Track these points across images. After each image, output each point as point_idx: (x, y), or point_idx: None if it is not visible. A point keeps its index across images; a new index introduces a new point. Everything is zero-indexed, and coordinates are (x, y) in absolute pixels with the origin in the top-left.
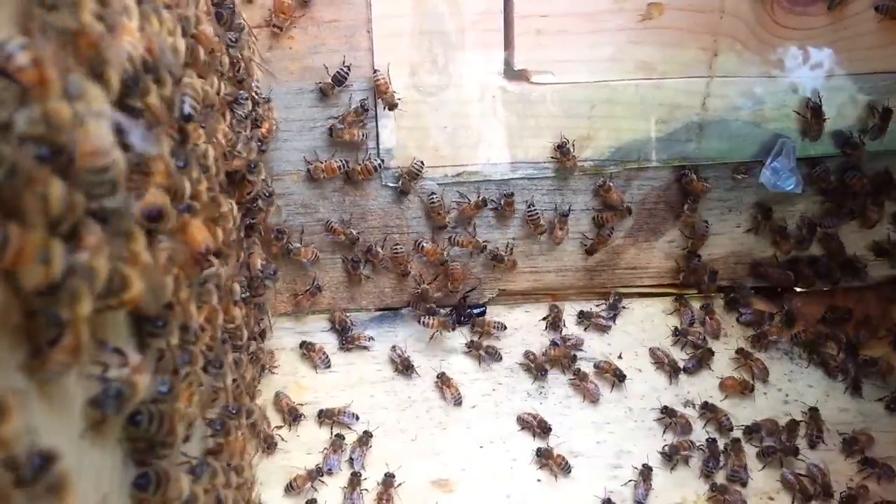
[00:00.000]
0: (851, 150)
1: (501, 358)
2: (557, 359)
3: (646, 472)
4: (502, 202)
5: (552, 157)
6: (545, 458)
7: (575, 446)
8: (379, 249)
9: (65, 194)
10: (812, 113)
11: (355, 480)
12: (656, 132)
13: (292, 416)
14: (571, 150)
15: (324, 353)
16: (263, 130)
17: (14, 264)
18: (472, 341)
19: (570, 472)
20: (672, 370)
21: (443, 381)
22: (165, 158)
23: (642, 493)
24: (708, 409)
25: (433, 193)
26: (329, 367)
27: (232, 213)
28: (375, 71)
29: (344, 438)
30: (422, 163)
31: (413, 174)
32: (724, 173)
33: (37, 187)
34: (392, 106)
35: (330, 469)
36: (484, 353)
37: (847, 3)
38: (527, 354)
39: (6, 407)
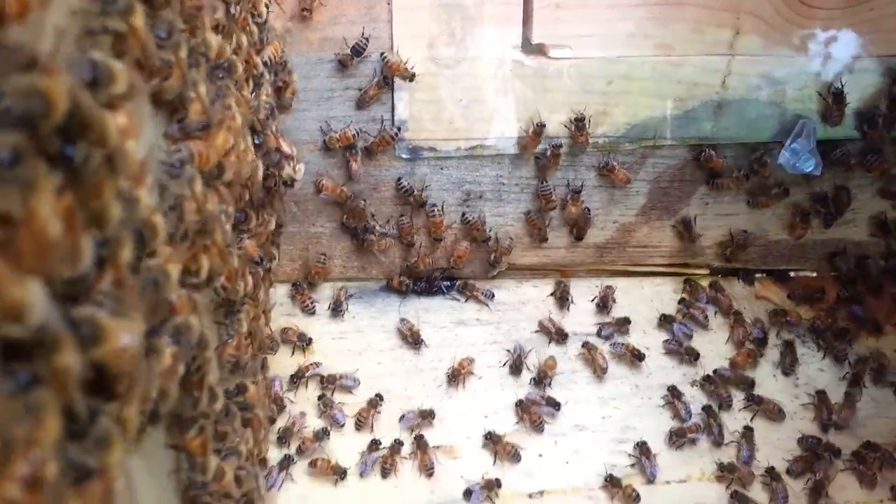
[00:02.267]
0: (870, 130)
1: (493, 296)
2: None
3: (644, 448)
4: (548, 153)
5: (566, 130)
6: (494, 442)
7: (580, 420)
8: (376, 224)
9: None
10: (833, 98)
11: (374, 447)
12: (673, 110)
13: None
14: (587, 125)
15: (311, 299)
16: (288, 93)
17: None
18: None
19: (519, 460)
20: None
21: (455, 373)
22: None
23: (651, 469)
24: (710, 383)
25: (464, 214)
26: (313, 314)
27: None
28: (382, 53)
29: (324, 396)
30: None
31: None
32: (742, 153)
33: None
34: (410, 77)
35: (338, 421)
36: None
37: None
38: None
39: (60, 339)
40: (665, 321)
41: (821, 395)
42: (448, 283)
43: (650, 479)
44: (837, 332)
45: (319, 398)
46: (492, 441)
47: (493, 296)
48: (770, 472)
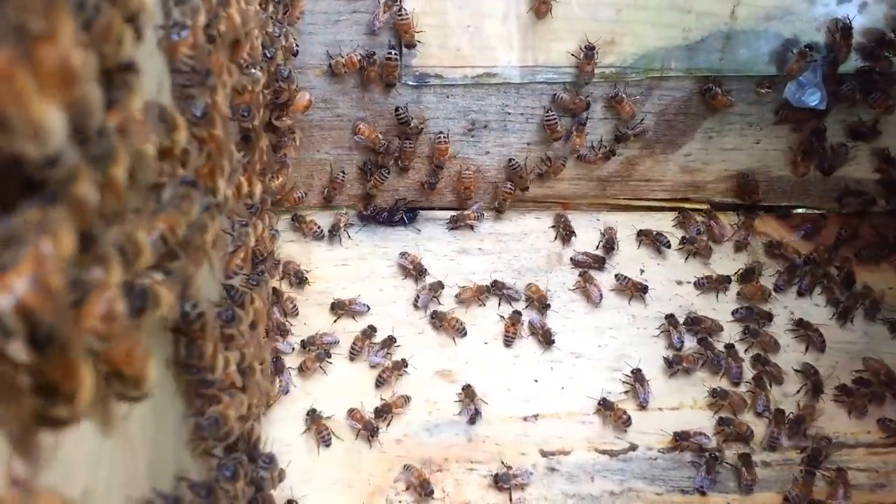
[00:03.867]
0: (874, 63)
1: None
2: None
3: (639, 375)
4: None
5: (573, 58)
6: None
7: (576, 348)
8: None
9: None
10: (842, 33)
11: (370, 333)
12: (682, 40)
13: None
14: (596, 54)
15: (315, 224)
16: (296, 13)
17: None
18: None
19: (464, 334)
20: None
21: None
22: None
23: (644, 395)
24: (694, 323)
25: (512, 159)
26: (321, 238)
27: None
28: (402, 9)
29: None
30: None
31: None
32: (748, 86)
33: None
34: (410, 45)
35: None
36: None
37: None
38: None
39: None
40: (643, 235)
41: (803, 324)
42: (410, 213)
43: (643, 405)
44: (844, 278)
45: (303, 345)
46: (437, 319)
47: (483, 214)
48: (756, 379)
